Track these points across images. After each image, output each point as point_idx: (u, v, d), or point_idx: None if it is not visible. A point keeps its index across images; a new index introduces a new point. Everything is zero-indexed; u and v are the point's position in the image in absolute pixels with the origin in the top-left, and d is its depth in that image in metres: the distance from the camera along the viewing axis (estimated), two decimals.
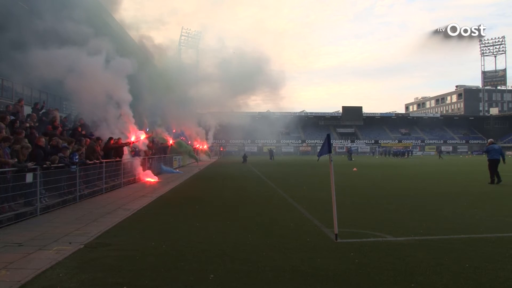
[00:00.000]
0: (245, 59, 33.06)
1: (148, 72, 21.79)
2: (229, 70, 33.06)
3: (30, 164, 8.04)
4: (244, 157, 39.06)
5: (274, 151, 54.02)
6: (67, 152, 9.93)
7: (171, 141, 25.57)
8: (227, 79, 32.92)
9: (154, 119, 25.16)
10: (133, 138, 15.79)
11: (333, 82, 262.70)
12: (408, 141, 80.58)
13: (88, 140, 12.19)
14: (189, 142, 32.60)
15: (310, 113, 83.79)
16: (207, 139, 41.48)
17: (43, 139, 9.43)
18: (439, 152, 55.18)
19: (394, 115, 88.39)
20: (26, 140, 8.81)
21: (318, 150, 6.52)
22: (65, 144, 10.26)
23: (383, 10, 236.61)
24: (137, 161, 15.96)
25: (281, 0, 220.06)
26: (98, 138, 13.30)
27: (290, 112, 73.36)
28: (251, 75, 33.23)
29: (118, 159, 13.89)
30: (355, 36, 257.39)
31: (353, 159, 43.72)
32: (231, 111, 42.02)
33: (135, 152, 16.69)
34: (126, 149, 15.02)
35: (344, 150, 57.14)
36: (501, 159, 14.31)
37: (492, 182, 14.26)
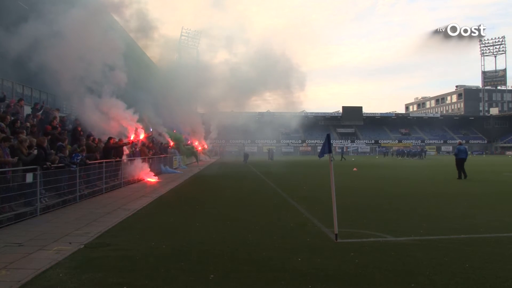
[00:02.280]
0: (257, 59, 32.10)
1: (143, 63, 21.20)
2: (240, 70, 32.17)
3: (34, 152, 8.17)
4: (245, 156, 36.35)
5: (274, 151, 52.65)
6: (66, 152, 9.93)
7: (171, 143, 25.42)
8: (236, 79, 32.03)
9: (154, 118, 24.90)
10: (132, 137, 15.76)
11: (333, 82, 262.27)
12: (408, 141, 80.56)
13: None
14: (188, 143, 32.27)
15: (310, 113, 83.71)
16: (206, 138, 40.83)
17: (45, 140, 9.44)
18: (419, 152, 51.47)
19: (394, 115, 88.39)
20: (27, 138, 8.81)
21: (319, 151, 6.57)
22: (61, 143, 10.27)
23: (385, 9, 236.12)
24: (137, 161, 15.96)
25: (282, 0, 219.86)
26: (90, 135, 13.30)
27: (290, 112, 73.03)
28: (267, 74, 32.01)
29: (118, 159, 13.89)
30: (356, 35, 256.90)
31: (345, 158, 42.38)
32: (231, 111, 41.44)
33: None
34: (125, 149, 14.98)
35: (344, 150, 55.47)
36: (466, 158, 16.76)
37: (459, 177, 16.30)
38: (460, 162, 16.62)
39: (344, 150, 54.97)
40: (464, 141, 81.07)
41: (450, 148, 79.50)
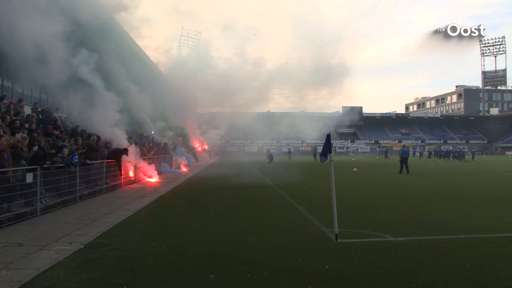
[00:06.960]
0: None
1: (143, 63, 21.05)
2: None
3: (35, 148, 8.29)
4: (270, 156, 32.23)
5: (273, 151, 47.72)
6: (64, 152, 9.93)
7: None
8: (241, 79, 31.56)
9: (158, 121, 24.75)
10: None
11: (333, 81, 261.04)
12: (408, 141, 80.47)
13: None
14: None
15: (310, 113, 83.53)
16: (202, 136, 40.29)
17: (42, 139, 9.43)
18: (385, 152, 46.97)
19: (394, 115, 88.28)
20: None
21: (319, 151, 6.52)
22: (63, 143, 10.28)
23: (387, 8, 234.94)
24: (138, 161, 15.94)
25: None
26: (90, 135, 13.32)
27: (291, 112, 72.80)
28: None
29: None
30: (357, 35, 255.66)
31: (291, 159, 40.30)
32: (232, 111, 41.11)
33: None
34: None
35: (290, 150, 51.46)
36: (409, 156, 21.29)
37: (400, 172, 20.63)
38: (404, 160, 21.17)
39: (291, 150, 51.15)
40: (464, 141, 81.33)
41: (451, 148, 79.53)
